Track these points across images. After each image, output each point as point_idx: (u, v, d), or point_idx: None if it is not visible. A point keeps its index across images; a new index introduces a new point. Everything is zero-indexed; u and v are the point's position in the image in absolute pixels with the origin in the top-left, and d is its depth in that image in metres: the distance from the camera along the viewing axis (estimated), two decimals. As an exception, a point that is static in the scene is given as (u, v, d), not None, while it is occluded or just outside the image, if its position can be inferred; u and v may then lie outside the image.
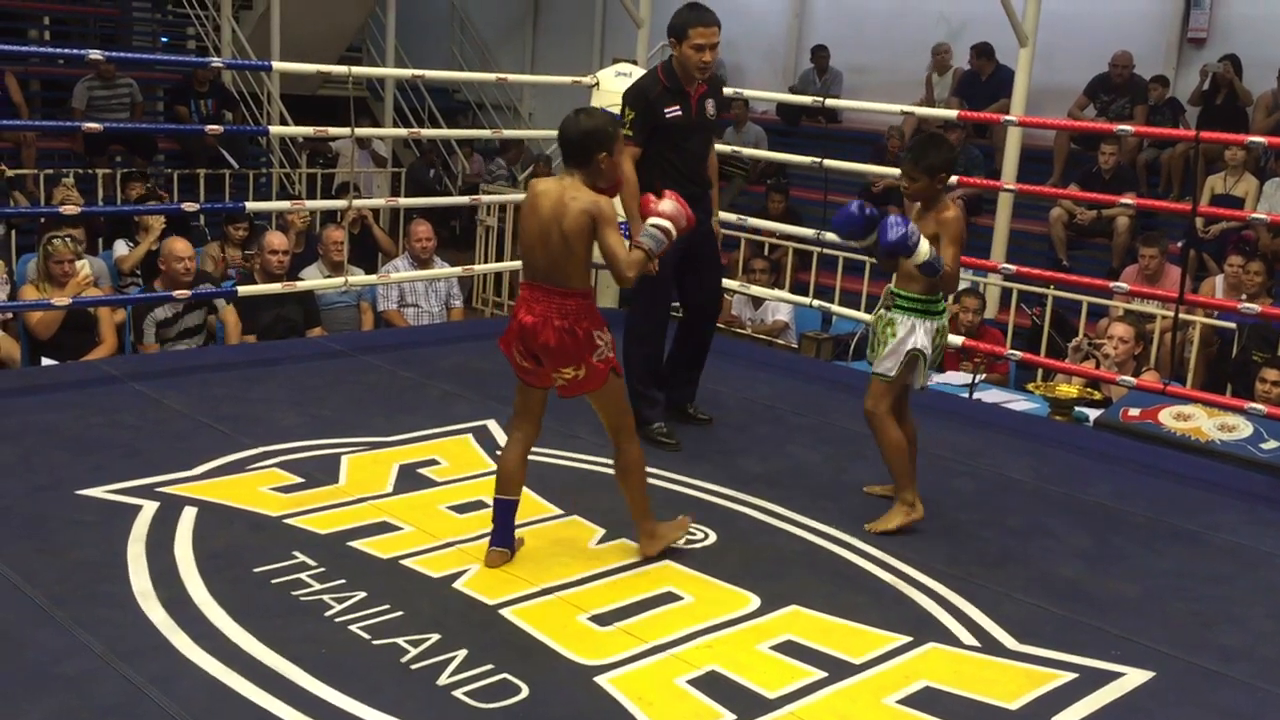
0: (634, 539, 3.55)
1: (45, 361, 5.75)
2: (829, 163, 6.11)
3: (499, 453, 3.35)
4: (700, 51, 4.39)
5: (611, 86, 6.36)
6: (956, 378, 6.47)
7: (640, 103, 4.48)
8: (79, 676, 2.71)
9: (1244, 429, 5.14)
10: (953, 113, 7.05)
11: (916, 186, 3.83)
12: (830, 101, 6.64)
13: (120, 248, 7.53)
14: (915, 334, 3.80)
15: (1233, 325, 6.42)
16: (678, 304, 4.82)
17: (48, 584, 3.10)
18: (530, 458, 4.28)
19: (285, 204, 6.78)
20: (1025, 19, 8.15)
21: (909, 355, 3.81)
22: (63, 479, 3.78)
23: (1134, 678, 3.01)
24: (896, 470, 3.90)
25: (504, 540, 3.42)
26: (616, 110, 4.49)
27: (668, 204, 3.44)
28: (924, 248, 3.65)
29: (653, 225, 3.40)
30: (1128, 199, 6.29)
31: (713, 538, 3.67)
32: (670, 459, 4.24)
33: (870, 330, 4.00)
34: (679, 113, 4.50)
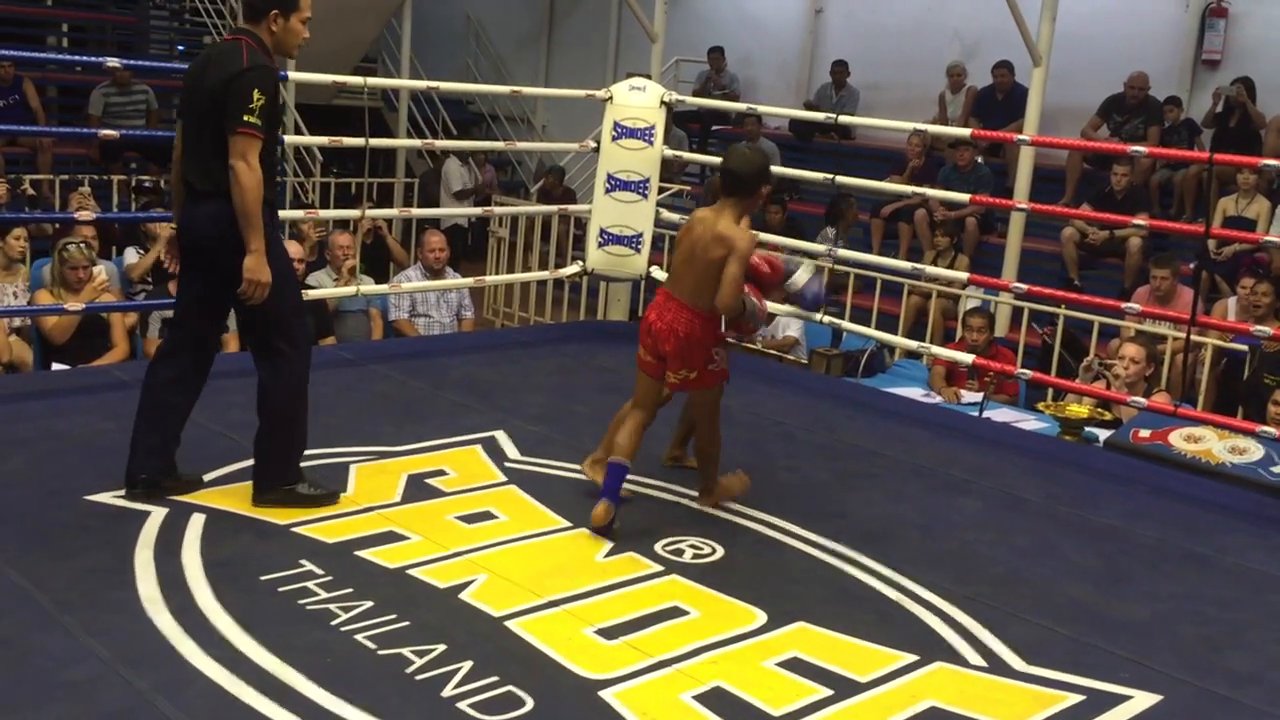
0: (640, 554, 3.56)
1: (55, 366, 5.76)
2: (841, 179, 6.11)
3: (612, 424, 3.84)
4: (306, 25, 3.81)
5: (626, 100, 6.35)
6: (967, 396, 6.47)
7: (273, 87, 3.69)
8: (84, 683, 2.71)
9: (1255, 452, 5.11)
10: (966, 131, 7.04)
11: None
12: (843, 118, 6.63)
13: (130, 255, 7.55)
14: None
15: (1244, 347, 6.39)
16: None
17: (55, 590, 3.11)
18: (537, 469, 4.30)
19: (299, 213, 6.79)
20: (1039, 39, 8.15)
21: None
22: (72, 485, 3.78)
23: (1141, 701, 3.00)
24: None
25: (613, 496, 3.69)
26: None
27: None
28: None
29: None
30: (1140, 220, 6.27)
31: (720, 552, 3.66)
32: (684, 475, 4.23)
33: None
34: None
